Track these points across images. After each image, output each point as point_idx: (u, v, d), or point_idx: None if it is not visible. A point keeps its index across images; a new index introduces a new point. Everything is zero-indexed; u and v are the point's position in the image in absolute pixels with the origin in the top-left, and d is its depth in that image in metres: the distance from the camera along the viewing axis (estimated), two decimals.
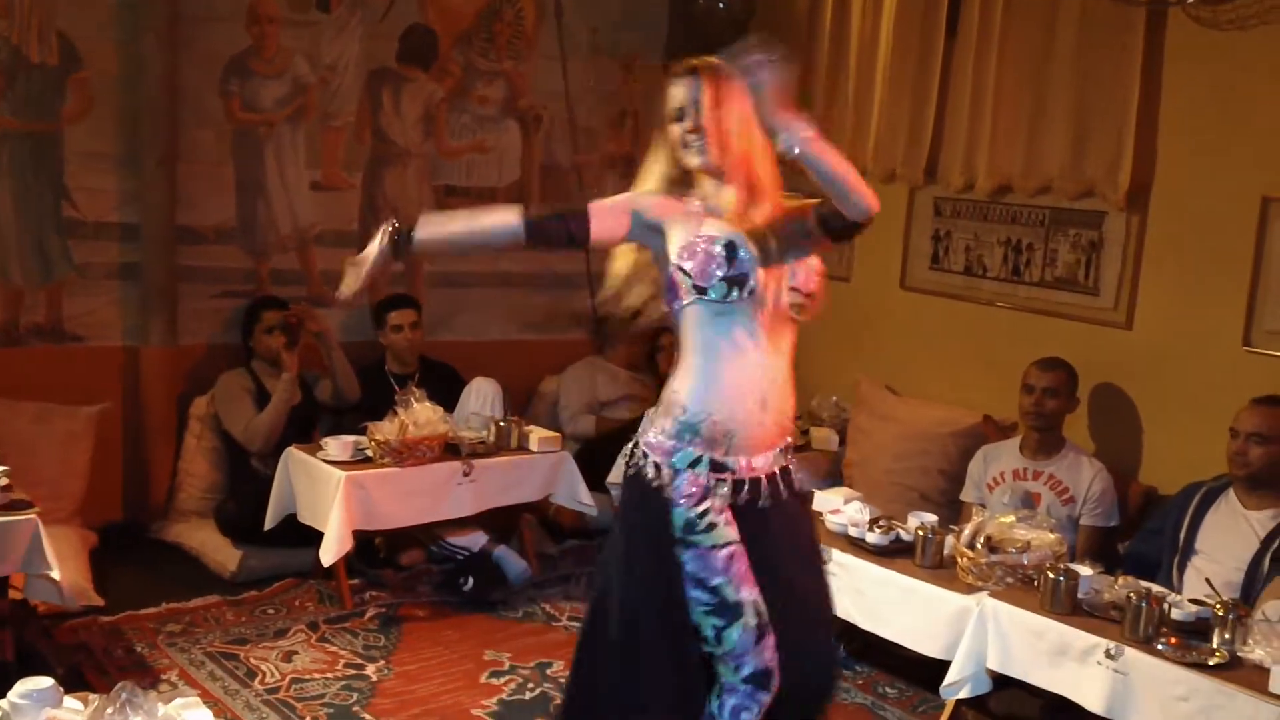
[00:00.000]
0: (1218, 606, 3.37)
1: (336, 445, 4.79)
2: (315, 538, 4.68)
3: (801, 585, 2.96)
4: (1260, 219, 4.51)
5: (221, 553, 5.12)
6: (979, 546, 3.84)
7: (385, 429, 4.79)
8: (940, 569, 3.96)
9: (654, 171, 2.97)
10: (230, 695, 4.02)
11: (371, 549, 5.17)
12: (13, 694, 2.84)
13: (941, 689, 3.78)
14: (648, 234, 2.90)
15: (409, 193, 6.03)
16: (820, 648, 3.02)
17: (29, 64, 5.10)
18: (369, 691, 4.11)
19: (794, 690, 2.89)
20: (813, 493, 3.31)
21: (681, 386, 2.90)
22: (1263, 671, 3.17)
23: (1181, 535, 4.09)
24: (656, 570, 2.84)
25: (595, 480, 5.38)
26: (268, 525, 4.96)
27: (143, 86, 5.27)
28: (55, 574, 3.90)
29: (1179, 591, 3.88)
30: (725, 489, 2.84)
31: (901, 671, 4.42)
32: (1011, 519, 3.93)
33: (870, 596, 4.00)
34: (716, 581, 2.80)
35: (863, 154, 5.85)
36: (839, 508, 4.34)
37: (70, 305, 5.32)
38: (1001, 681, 3.73)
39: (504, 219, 2.84)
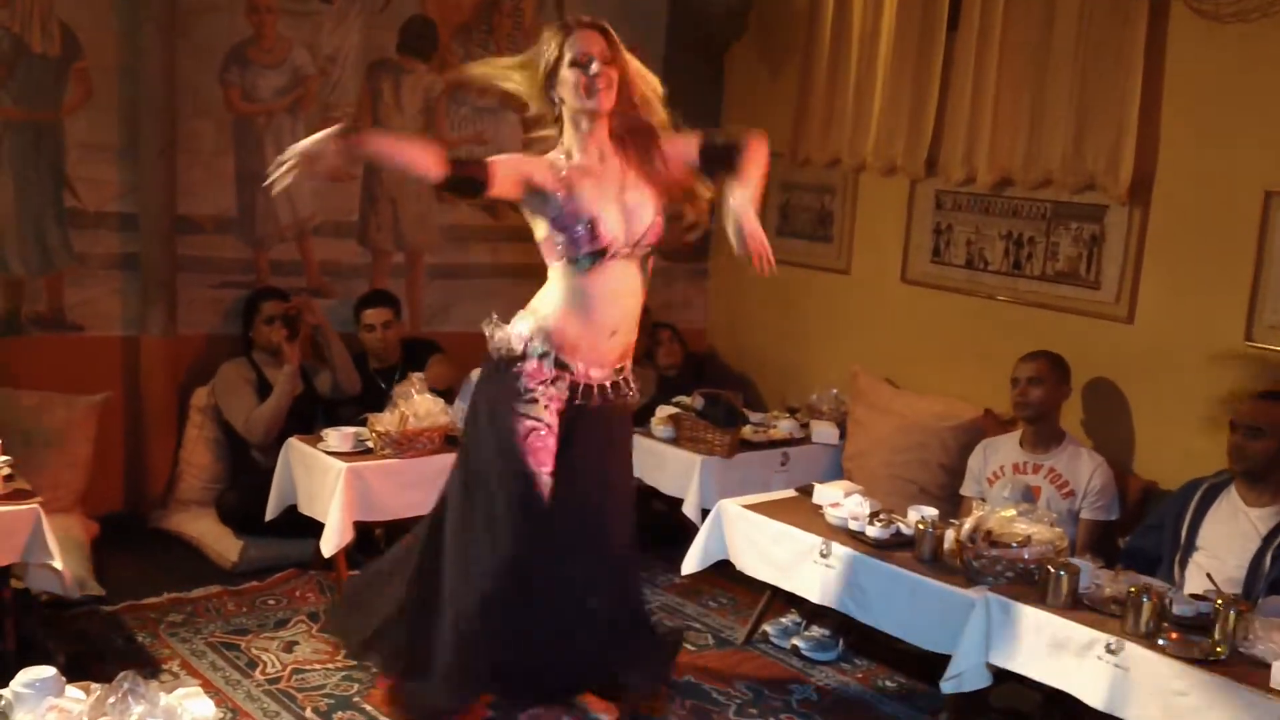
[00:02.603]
0: (1219, 602, 3.37)
1: (337, 436, 4.79)
2: (316, 528, 4.68)
3: (608, 475, 3.68)
4: (1263, 213, 4.50)
5: (222, 543, 5.13)
6: (979, 540, 3.84)
7: (386, 420, 4.78)
8: (940, 563, 3.97)
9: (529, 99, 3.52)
10: (231, 685, 4.02)
11: (372, 540, 5.17)
12: (15, 683, 2.86)
13: (941, 683, 3.78)
14: (532, 195, 3.46)
15: (409, 184, 6.02)
16: (612, 532, 3.70)
17: (30, 53, 5.09)
18: (369, 682, 4.10)
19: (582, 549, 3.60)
20: (637, 401, 3.82)
21: (546, 305, 3.54)
22: (1263, 667, 3.18)
23: (1183, 531, 4.09)
24: (504, 424, 3.53)
25: None
26: (268, 516, 4.97)
27: (143, 76, 5.27)
28: (56, 563, 3.90)
29: (1180, 587, 3.89)
30: (564, 385, 3.52)
31: (901, 665, 4.44)
32: (1011, 513, 3.92)
33: (870, 590, 4.00)
34: (515, 443, 3.49)
35: (863, 146, 5.86)
36: (839, 501, 4.34)
37: (71, 295, 5.32)
38: (1001, 676, 3.73)
39: (429, 167, 3.30)
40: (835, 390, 5.90)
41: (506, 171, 3.41)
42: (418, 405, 4.78)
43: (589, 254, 3.44)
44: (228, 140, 5.60)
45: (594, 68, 3.38)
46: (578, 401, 3.56)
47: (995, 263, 5.47)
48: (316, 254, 5.88)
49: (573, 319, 3.52)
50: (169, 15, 5.27)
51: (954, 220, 5.64)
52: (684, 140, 3.64)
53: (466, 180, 3.37)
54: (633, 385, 3.72)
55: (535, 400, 3.52)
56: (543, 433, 3.53)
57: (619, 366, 3.65)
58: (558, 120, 3.52)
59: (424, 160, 3.31)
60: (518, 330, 3.56)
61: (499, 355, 3.58)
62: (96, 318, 5.39)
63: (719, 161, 3.60)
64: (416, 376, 4.97)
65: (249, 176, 5.65)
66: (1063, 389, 4.76)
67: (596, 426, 3.61)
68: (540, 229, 3.52)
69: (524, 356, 3.53)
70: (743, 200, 3.48)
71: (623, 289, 3.55)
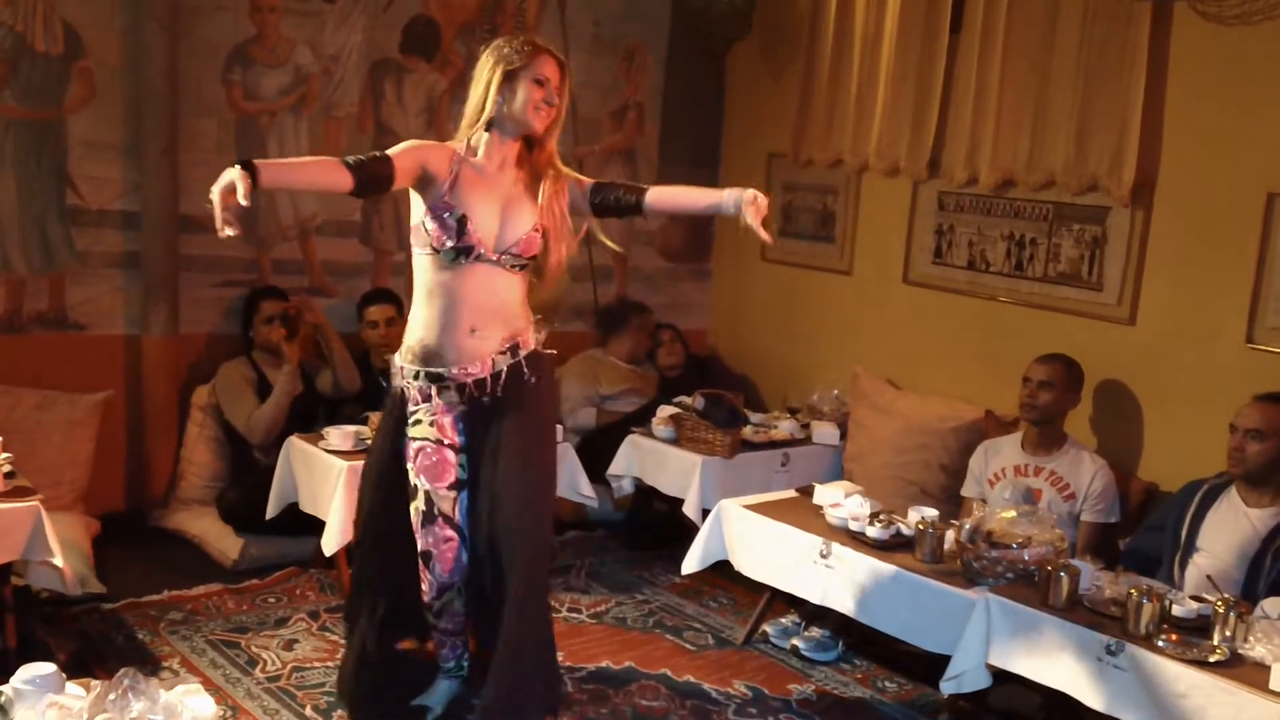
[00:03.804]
0: (1219, 603, 3.37)
1: (338, 435, 4.79)
2: (316, 527, 4.68)
3: (516, 472, 3.57)
4: (1265, 215, 4.51)
5: (223, 541, 5.13)
6: (980, 541, 3.84)
7: None
8: (941, 564, 3.96)
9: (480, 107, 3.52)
10: (231, 683, 4.02)
11: None
12: (15, 680, 2.85)
13: (941, 684, 3.78)
14: (423, 181, 3.48)
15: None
16: (512, 523, 3.56)
17: (33, 52, 5.10)
18: None
19: (491, 554, 3.60)
20: (546, 381, 3.72)
21: (411, 322, 3.60)
22: (1263, 669, 3.18)
23: (1183, 533, 4.09)
24: (392, 450, 3.67)
25: (595, 472, 5.37)
26: (269, 514, 4.97)
27: (145, 75, 5.27)
28: (58, 561, 3.90)
29: (1180, 589, 3.89)
30: (450, 393, 3.55)
31: (901, 666, 4.44)
32: (1012, 514, 3.92)
33: (870, 591, 4.00)
34: (407, 465, 3.62)
35: (865, 147, 5.86)
36: (839, 501, 4.34)
37: (72, 293, 5.32)
38: (1001, 677, 3.73)
39: (336, 180, 3.31)
40: (836, 391, 5.90)
41: (406, 161, 3.44)
42: None
43: (453, 249, 3.45)
44: (230, 139, 5.60)
45: (548, 95, 3.49)
46: (470, 400, 3.56)
47: (997, 264, 5.47)
48: (319, 253, 5.88)
49: (431, 322, 3.53)
50: (171, 14, 5.27)
51: (956, 221, 5.64)
52: (580, 178, 3.71)
53: (373, 180, 3.37)
54: (530, 371, 3.61)
55: (419, 421, 3.58)
56: (429, 450, 3.59)
57: (503, 351, 3.57)
58: (481, 118, 3.52)
59: (328, 175, 3.34)
60: (396, 365, 3.66)
61: (392, 396, 3.69)
62: (98, 316, 5.39)
63: (613, 193, 3.66)
64: None
65: None
66: (1072, 396, 4.75)
67: (495, 425, 3.58)
68: (416, 213, 3.52)
69: (405, 385, 3.62)
70: (734, 193, 3.56)
71: (485, 292, 3.53)
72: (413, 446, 3.60)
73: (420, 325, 3.56)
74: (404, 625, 3.86)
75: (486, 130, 3.53)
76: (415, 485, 3.61)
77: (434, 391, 3.56)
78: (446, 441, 3.59)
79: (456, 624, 3.77)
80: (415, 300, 3.59)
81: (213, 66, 5.50)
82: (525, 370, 3.60)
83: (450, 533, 3.62)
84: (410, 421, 3.60)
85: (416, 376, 3.57)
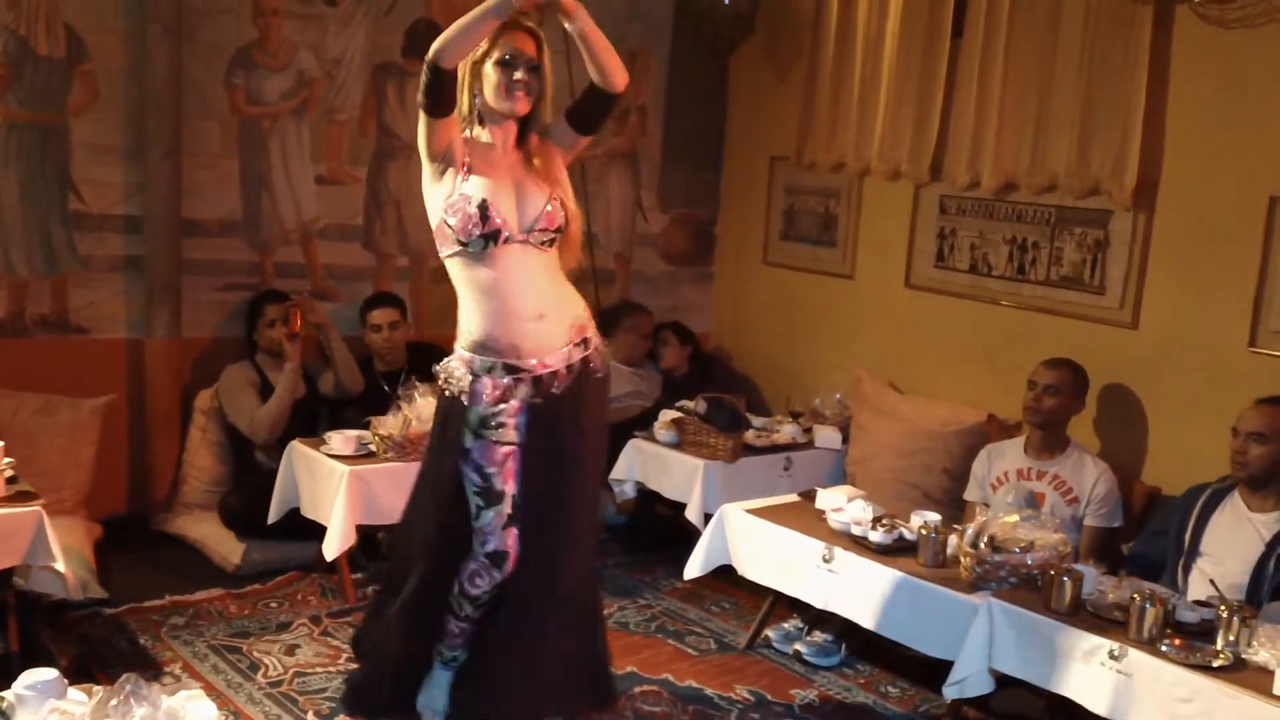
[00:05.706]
0: (1222, 608, 3.37)
1: (340, 439, 4.80)
2: (318, 531, 4.69)
3: (571, 486, 3.53)
4: (1267, 219, 4.50)
5: (225, 546, 5.13)
6: (982, 546, 3.83)
7: (389, 423, 4.79)
8: (943, 568, 3.96)
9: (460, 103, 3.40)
10: (233, 688, 4.02)
11: (374, 543, 5.17)
12: (17, 685, 2.86)
13: (944, 688, 3.78)
14: (444, 161, 3.42)
15: (414, 187, 6.00)
16: (557, 540, 3.54)
17: (36, 55, 5.10)
18: None
19: (523, 569, 3.51)
20: (608, 376, 3.67)
21: (467, 319, 3.48)
22: (1267, 674, 3.17)
23: (1186, 537, 4.08)
24: (447, 454, 3.51)
25: None
26: (271, 519, 4.97)
27: (148, 79, 5.27)
28: (59, 566, 3.90)
29: (1184, 593, 3.88)
30: (525, 387, 3.43)
31: (904, 671, 4.43)
32: (1015, 518, 3.92)
33: (873, 595, 4.00)
34: (490, 470, 3.45)
35: (868, 151, 5.85)
36: (842, 506, 4.34)
37: (75, 297, 5.32)
38: (1004, 681, 3.73)
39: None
40: (839, 395, 5.89)
41: (452, 122, 3.37)
42: (421, 408, 4.78)
43: (480, 237, 3.33)
44: (233, 143, 5.60)
45: (519, 73, 3.38)
46: (550, 393, 3.45)
47: (999, 268, 5.46)
48: (321, 257, 5.88)
49: (493, 315, 3.41)
50: (175, 17, 5.27)
51: (958, 225, 5.64)
52: (559, 122, 3.57)
53: (449, 89, 3.29)
54: (597, 362, 3.58)
55: (503, 425, 3.44)
56: (517, 454, 3.47)
57: (577, 343, 3.51)
58: (470, 113, 3.45)
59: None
60: (459, 356, 3.51)
61: (454, 391, 3.49)
62: (101, 320, 5.39)
63: (577, 104, 3.56)
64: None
65: (254, 179, 5.66)
66: (1077, 403, 4.74)
67: (559, 427, 3.50)
68: (434, 213, 3.44)
69: (475, 378, 3.45)
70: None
71: (529, 274, 3.42)
72: (500, 451, 3.43)
73: (481, 318, 3.43)
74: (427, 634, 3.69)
75: (479, 124, 3.46)
76: (501, 491, 3.45)
77: (510, 385, 3.43)
78: (520, 442, 3.47)
79: (481, 614, 3.64)
80: (464, 299, 3.47)
81: (215, 70, 5.50)
82: (595, 366, 3.55)
83: (518, 531, 3.50)
84: (493, 425, 3.43)
85: (491, 370, 3.42)
